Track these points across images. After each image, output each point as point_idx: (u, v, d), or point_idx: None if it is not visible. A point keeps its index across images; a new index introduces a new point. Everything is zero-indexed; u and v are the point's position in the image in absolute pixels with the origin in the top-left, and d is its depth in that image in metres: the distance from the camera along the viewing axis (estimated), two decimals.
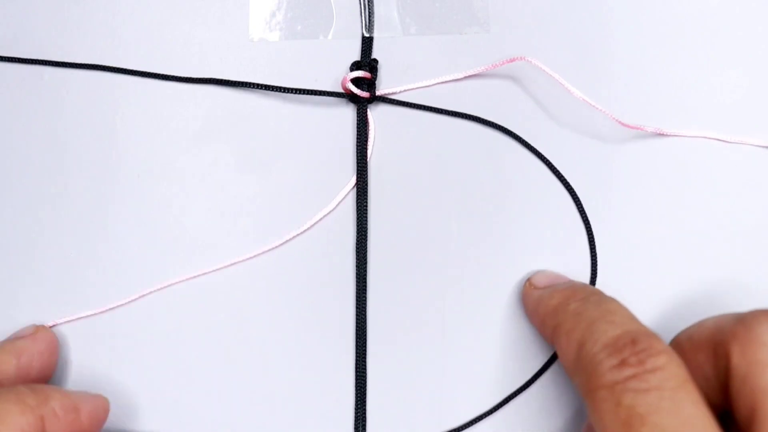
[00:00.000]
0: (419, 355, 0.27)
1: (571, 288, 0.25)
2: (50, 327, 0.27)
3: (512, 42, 0.29)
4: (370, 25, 0.30)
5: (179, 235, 0.28)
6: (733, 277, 0.27)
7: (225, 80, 0.29)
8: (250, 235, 0.28)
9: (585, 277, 0.28)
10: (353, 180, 0.28)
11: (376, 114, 0.29)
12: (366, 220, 0.28)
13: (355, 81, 0.28)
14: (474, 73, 0.29)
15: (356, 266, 0.28)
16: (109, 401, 0.25)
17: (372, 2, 0.30)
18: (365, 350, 0.27)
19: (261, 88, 0.29)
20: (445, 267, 0.28)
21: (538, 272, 0.27)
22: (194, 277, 0.28)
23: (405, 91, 0.29)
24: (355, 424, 0.27)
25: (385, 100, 0.29)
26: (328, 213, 0.28)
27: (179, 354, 0.27)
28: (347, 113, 0.29)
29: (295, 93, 0.28)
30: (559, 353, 0.23)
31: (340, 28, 0.30)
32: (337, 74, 0.29)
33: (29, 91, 0.29)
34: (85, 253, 0.28)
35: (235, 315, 0.27)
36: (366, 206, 0.28)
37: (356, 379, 0.27)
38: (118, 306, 0.27)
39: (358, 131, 0.29)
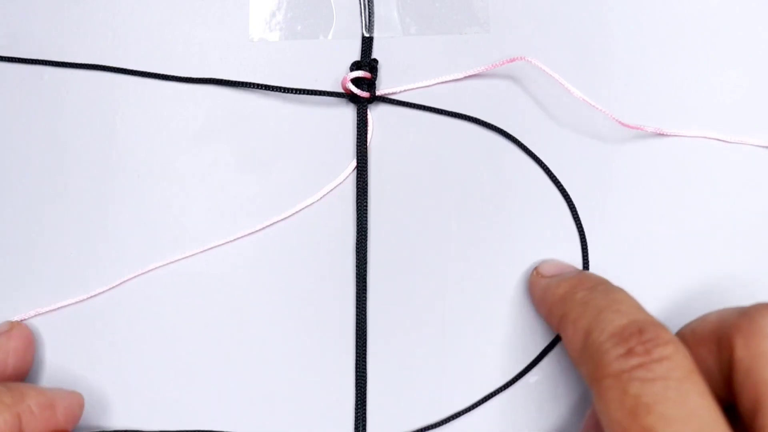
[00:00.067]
0: (419, 355, 0.27)
1: (578, 277, 0.25)
2: (24, 320, 0.27)
3: (512, 42, 0.29)
4: (370, 25, 0.30)
5: (179, 235, 0.28)
6: (733, 277, 0.27)
7: (225, 80, 0.29)
8: (251, 236, 0.28)
9: None
10: (353, 180, 0.28)
11: (376, 114, 0.29)
12: (366, 220, 0.28)
13: (355, 81, 0.28)
14: (474, 73, 0.29)
15: (356, 266, 0.28)
16: (84, 397, 0.25)
17: (372, 2, 0.30)
18: (365, 350, 0.27)
19: (261, 88, 0.29)
20: (445, 267, 0.28)
21: (545, 261, 0.27)
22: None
23: (405, 91, 0.29)
24: (355, 424, 0.27)
25: (385, 100, 0.29)
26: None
27: (179, 355, 0.27)
28: (347, 113, 0.29)
29: (295, 93, 0.28)
30: (565, 342, 0.23)
31: (340, 28, 0.30)
32: (337, 74, 0.29)
33: (29, 91, 0.29)
34: (85, 253, 0.28)
35: (235, 315, 0.27)
36: (366, 206, 0.28)
37: (356, 379, 0.27)
38: (97, 294, 0.27)
39: (358, 131, 0.29)
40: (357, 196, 0.28)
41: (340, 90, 0.29)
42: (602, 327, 0.21)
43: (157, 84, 0.29)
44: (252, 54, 0.29)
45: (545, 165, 0.28)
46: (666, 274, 0.27)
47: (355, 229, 0.28)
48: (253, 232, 0.28)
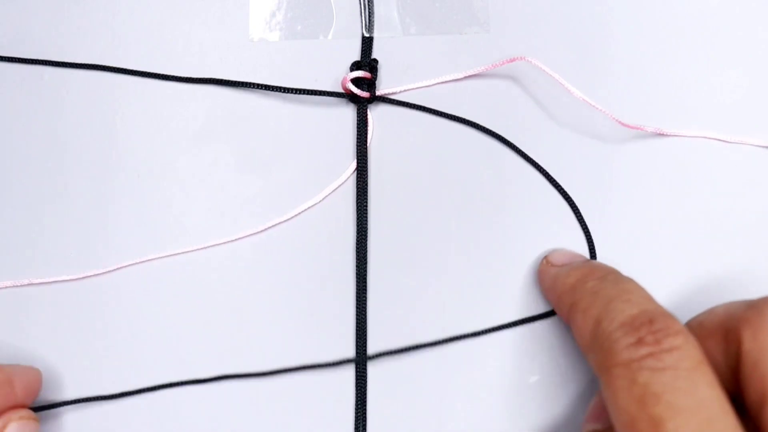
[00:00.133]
0: (419, 355, 0.27)
1: (588, 266, 0.25)
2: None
3: (512, 42, 0.29)
4: (370, 25, 0.30)
5: (179, 235, 0.28)
6: (734, 277, 0.27)
7: (225, 80, 0.29)
8: (251, 236, 0.28)
9: None
10: (353, 180, 0.28)
11: (376, 114, 0.29)
12: (366, 220, 0.28)
13: (355, 81, 0.28)
14: (474, 73, 0.29)
15: (356, 266, 0.28)
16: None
17: (372, 2, 0.30)
18: (365, 350, 0.27)
19: (261, 88, 0.29)
20: (445, 267, 0.28)
21: (555, 250, 0.27)
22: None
23: (405, 91, 0.29)
24: (356, 424, 0.27)
25: (385, 100, 0.29)
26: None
27: (179, 355, 0.27)
28: (347, 113, 0.29)
29: (295, 93, 0.28)
30: (574, 331, 0.23)
31: (340, 28, 0.30)
32: (337, 74, 0.29)
33: (29, 91, 0.29)
34: (85, 252, 0.28)
35: (235, 314, 0.27)
36: (366, 206, 0.28)
37: (356, 379, 0.27)
38: (92, 275, 0.27)
39: (358, 131, 0.29)
40: (357, 196, 0.28)
41: (340, 90, 0.29)
42: (612, 316, 0.21)
43: (157, 84, 0.29)
44: (252, 54, 0.29)
45: (544, 169, 0.28)
46: (666, 274, 0.27)
47: (355, 229, 0.28)
48: (254, 233, 0.28)
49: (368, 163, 0.28)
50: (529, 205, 0.28)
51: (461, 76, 0.29)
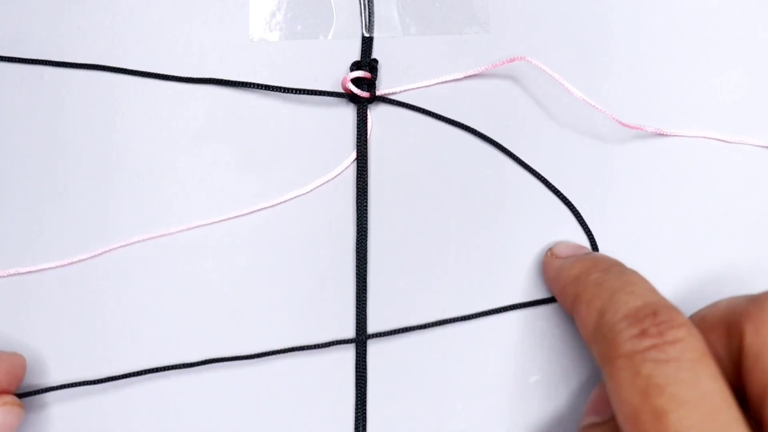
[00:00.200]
0: (419, 355, 0.27)
1: (592, 258, 0.25)
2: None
3: (512, 42, 0.29)
4: (370, 25, 0.30)
5: (179, 234, 0.28)
6: (733, 277, 0.27)
7: (225, 80, 0.29)
8: (250, 235, 0.28)
9: None
10: (353, 180, 0.28)
11: (376, 114, 0.29)
12: (366, 220, 0.28)
13: (355, 81, 0.28)
14: (474, 73, 0.29)
15: (356, 266, 0.28)
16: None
17: (372, 2, 0.30)
18: (365, 350, 0.27)
19: (261, 88, 0.29)
20: (444, 266, 0.28)
21: (559, 242, 0.27)
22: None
23: (405, 91, 0.29)
24: (356, 424, 0.27)
25: (385, 100, 0.29)
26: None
27: (177, 357, 0.27)
28: (347, 113, 0.29)
29: (295, 93, 0.28)
30: (578, 322, 0.23)
31: (340, 28, 0.30)
32: (337, 74, 0.29)
33: (29, 91, 0.29)
34: (85, 252, 0.28)
35: (235, 314, 0.27)
36: (366, 206, 0.28)
37: (356, 379, 0.27)
38: (78, 261, 0.27)
39: (358, 131, 0.29)
40: (357, 196, 0.28)
41: (340, 90, 0.29)
42: (616, 308, 0.21)
43: (157, 84, 0.29)
44: (252, 54, 0.29)
45: (542, 176, 0.28)
46: (666, 274, 0.27)
47: (355, 229, 0.28)
48: (240, 215, 0.28)
49: (368, 163, 0.28)
50: (529, 204, 0.28)
51: (461, 76, 0.29)
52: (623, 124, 0.28)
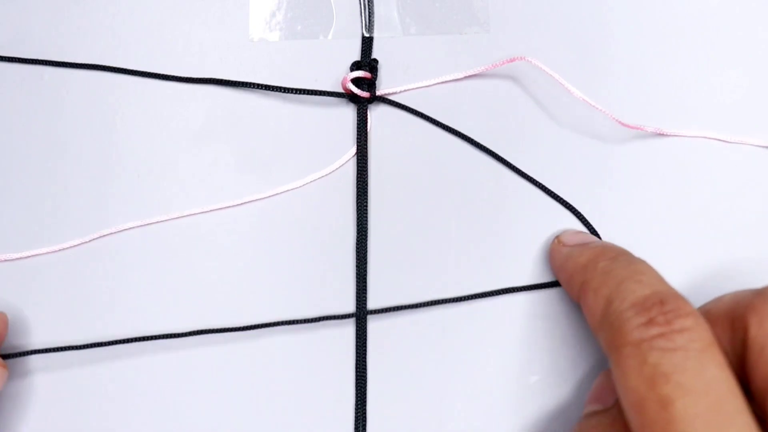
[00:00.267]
0: (419, 355, 0.27)
1: (600, 247, 0.25)
2: None
3: (512, 42, 0.29)
4: (370, 25, 0.30)
5: (179, 234, 0.28)
6: (733, 277, 0.27)
7: (225, 80, 0.29)
8: (250, 235, 0.28)
9: None
10: (353, 180, 0.28)
11: (376, 114, 0.29)
12: (366, 220, 0.28)
13: (355, 81, 0.28)
14: (474, 73, 0.29)
15: (356, 265, 0.28)
16: None
17: (372, 2, 0.30)
18: (365, 350, 0.27)
19: (261, 88, 0.29)
20: (444, 266, 0.28)
21: (566, 230, 0.27)
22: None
23: (405, 91, 0.29)
24: (356, 424, 0.27)
25: (385, 100, 0.29)
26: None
27: (178, 355, 0.27)
28: (347, 113, 0.29)
29: (295, 93, 0.28)
30: (585, 310, 0.23)
31: (340, 28, 0.30)
32: (337, 74, 0.29)
33: (29, 91, 0.29)
34: (85, 253, 0.28)
35: (235, 314, 0.27)
36: (366, 206, 0.28)
37: (356, 379, 0.27)
38: (69, 247, 0.27)
39: (358, 131, 0.29)
40: (357, 196, 0.28)
41: (340, 90, 0.29)
42: (623, 296, 0.21)
43: (157, 84, 0.29)
44: (252, 54, 0.29)
45: (541, 183, 0.28)
46: (666, 274, 0.27)
47: (356, 229, 0.28)
48: (232, 205, 0.28)
49: (368, 163, 0.28)
50: (529, 204, 0.28)
51: (461, 76, 0.29)
52: (623, 124, 0.28)
